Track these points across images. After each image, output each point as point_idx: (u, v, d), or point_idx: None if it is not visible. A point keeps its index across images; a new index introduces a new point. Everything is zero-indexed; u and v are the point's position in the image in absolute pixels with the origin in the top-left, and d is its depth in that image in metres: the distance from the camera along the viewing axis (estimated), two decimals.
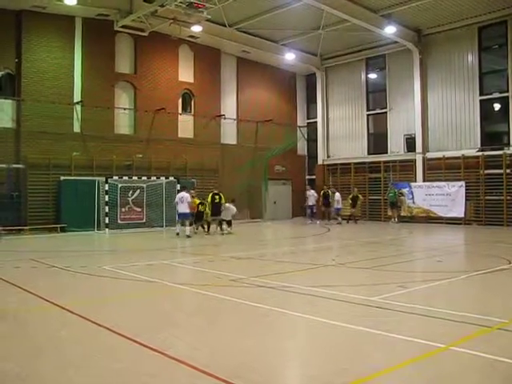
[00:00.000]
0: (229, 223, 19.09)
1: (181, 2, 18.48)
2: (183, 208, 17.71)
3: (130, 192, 21.10)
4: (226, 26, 23.01)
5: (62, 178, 20.07)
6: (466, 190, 21.95)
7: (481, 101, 22.17)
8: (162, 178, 21.57)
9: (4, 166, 19.11)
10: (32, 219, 19.48)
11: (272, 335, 5.79)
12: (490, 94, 22.08)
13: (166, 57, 23.70)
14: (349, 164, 26.55)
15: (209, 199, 19.04)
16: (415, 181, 23.83)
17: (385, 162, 25.18)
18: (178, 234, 17.92)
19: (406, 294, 7.74)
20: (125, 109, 22.54)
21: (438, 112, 23.52)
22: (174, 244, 16.46)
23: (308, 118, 29.93)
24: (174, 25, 20.62)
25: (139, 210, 21.36)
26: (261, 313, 6.69)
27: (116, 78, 22.27)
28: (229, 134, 26.09)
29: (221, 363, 4.69)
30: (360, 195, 24.26)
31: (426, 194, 23.18)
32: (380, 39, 24.22)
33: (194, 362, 4.65)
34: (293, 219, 27.88)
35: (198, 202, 18.77)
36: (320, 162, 27.98)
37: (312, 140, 29.37)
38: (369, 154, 26.31)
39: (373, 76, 26.83)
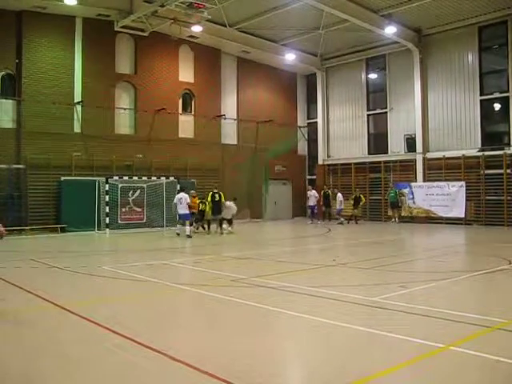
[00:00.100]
0: (229, 222, 19.07)
1: (181, 2, 18.50)
2: (183, 209, 17.71)
3: (131, 192, 21.10)
4: (226, 26, 23.01)
5: (63, 178, 20.07)
6: (467, 190, 21.94)
7: (481, 101, 22.16)
8: (163, 178, 21.57)
9: (4, 166, 19.11)
10: (32, 219, 19.48)
11: (272, 335, 5.79)
12: (491, 94, 22.08)
13: (167, 57, 23.71)
14: (349, 164, 26.55)
15: (208, 198, 19.05)
16: (415, 181, 23.83)
17: (385, 162, 25.18)
18: (178, 234, 17.95)
19: (407, 294, 7.73)
20: (125, 109, 22.55)
21: (439, 112, 23.51)
22: (174, 244, 16.45)
23: (308, 118, 29.93)
24: (174, 25, 20.61)
25: (139, 210, 21.37)
26: (261, 313, 6.69)
27: (116, 78, 22.27)
28: (229, 134, 26.09)
29: (221, 363, 4.69)
30: (363, 196, 24.26)
31: (426, 194, 23.17)
32: (380, 39, 24.21)
33: (195, 362, 4.65)
34: (293, 219, 27.88)
35: (198, 201, 18.79)
36: (320, 162, 27.98)
37: (312, 140, 29.37)
38: (369, 154, 26.31)
39: (373, 76, 26.83)
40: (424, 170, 23.59)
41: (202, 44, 24.53)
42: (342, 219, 23.54)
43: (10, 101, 19.89)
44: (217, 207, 18.83)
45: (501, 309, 6.74)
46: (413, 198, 23.64)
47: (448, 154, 22.78)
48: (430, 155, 23.60)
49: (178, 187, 19.83)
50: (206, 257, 13.05)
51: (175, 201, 18.10)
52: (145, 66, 23.07)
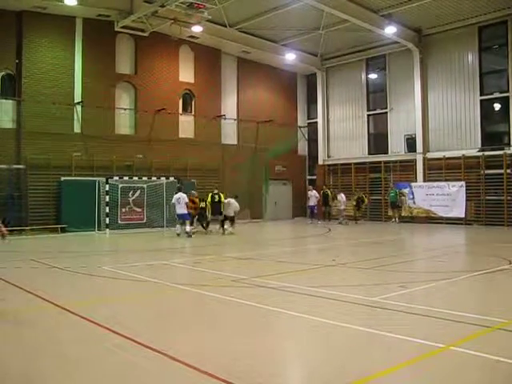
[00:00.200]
0: (232, 221, 18.94)
1: (181, 3, 18.51)
2: (181, 209, 17.69)
3: (131, 192, 21.10)
4: (226, 27, 23.02)
5: (63, 178, 20.07)
6: (467, 190, 21.94)
7: (481, 101, 22.16)
8: (163, 179, 21.57)
9: (4, 166, 19.11)
10: (32, 220, 19.48)
11: (272, 335, 5.80)
12: (491, 93, 22.08)
13: (167, 57, 23.71)
14: (349, 164, 26.55)
15: (208, 199, 19.05)
16: (416, 181, 23.83)
17: (385, 163, 25.18)
18: (178, 234, 17.91)
19: (407, 294, 7.73)
20: (125, 109, 22.55)
21: (439, 112, 23.51)
22: (174, 244, 16.44)
23: (308, 118, 29.92)
24: (174, 25, 20.62)
25: (140, 210, 21.37)
26: (261, 313, 6.69)
27: (116, 79, 22.27)
28: (229, 135, 26.09)
29: (221, 363, 4.69)
30: (365, 197, 24.24)
31: (426, 194, 23.17)
32: (380, 39, 24.21)
33: (195, 362, 4.65)
34: (293, 219, 27.89)
35: (199, 202, 18.80)
36: (320, 162, 27.98)
37: (312, 140, 29.36)
38: (369, 154, 26.31)
39: (373, 76, 26.83)
40: (424, 170, 23.59)
41: (202, 44, 24.53)
42: (341, 219, 23.54)
43: (10, 101, 19.89)
44: (217, 208, 18.82)
45: (501, 309, 6.74)
46: (413, 198, 23.64)
47: (448, 154, 22.77)
48: (430, 155, 23.60)
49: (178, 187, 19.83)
50: (206, 257, 13.05)
51: (173, 201, 18.08)
52: (145, 66, 23.07)
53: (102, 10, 20.65)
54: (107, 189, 19.81)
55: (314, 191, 24.99)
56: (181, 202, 17.67)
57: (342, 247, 15.96)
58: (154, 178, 21.67)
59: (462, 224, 21.88)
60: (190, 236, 17.41)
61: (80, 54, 21.21)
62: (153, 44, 22.73)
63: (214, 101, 25.42)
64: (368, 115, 26.58)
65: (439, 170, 23.11)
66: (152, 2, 19.81)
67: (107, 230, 19.49)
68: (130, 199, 21.10)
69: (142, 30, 22.04)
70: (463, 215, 21.97)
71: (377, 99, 26.42)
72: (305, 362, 4.96)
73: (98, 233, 19.46)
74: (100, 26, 21.36)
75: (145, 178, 21.50)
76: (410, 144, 24.38)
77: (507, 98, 21.43)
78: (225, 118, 25.76)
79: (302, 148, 29.86)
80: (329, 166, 27.77)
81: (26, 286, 8.43)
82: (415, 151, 23.96)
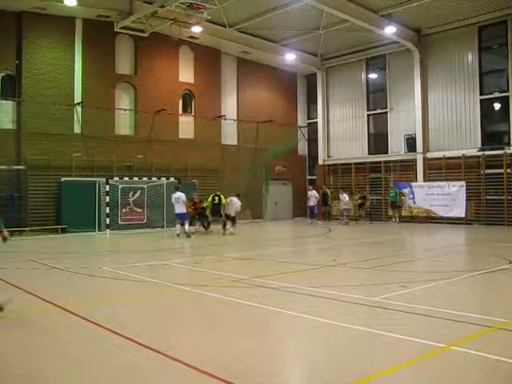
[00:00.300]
0: (233, 221, 18.92)
1: (181, 3, 18.51)
2: (180, 208, 17.68)
3: (131, 193, 21.10)
4: (226, 27, 23.01)
5: (63, 179, 20.06)
6: (467, 189, 21.93)
7: (481, 100, 22.16)
8: (163, 179, 21.56)
9: (4, 167, 19.10)
10: (33, 220, 19.47)
11: (272, 335, 5.80)
12: (491, 93, 22.07)
13: (167, 57, 23.71)
14: (349, 164, 26.54)
15: (209, 199, 19.05)
16: (416, 181, 23.82)
17: (385, 162, 25.17)
18: (178, 234, 17.88)
19: (407, 293, 7.73)
20: (125, 110, 22.55)
21: (439, 112, 23.51)
22: (174, 244, 16.44)
23: (308, 118, 29.92)
24: (174, 25, 20.63)
25: (140, 210, 21.36)
26: (261, 313, 6.69)
27: (116, 79, 22.27)
28: (229, 135, 26.09)
29: (221, 363, 4.69)
30: (368, 196, 24.20)
31: (426, 194, 23.17)
32: (380, 39, 24.21)
33: (195, 362, 4.65)
34: (294, 219, 27.88)
35: (197, 201, 18.80)
36: (321, 162, 27.98)
37: (312, 140, 29.36)
38: (369, 154, 26.30)
39: (373, 76, 26.83)
40: (424, 169, 23.58)
41: (201, 44, 24.53)
42: (340, 219, 23.53)
43: (10, 102, 19.89)
44: (216, 209, 18.82)
45: (502, 308, 6.74)
46: (413, 197, 23.63)
47: (448, 153, 22.77)
48: (430, 155, 23.59)
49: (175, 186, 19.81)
50: (206, 257, 13.05)
51: (172, 200, 18.05)
52: (145, 67, 23.07)
53: (101, 10, 20.66)
54: (107, 189, 19.79)
55: (314, 191, 24.99)
56: (179, 201, 17.66)
57: (342, 247, 15.96)
58: (154, 179, 21.65)
59: (462, 224, 21.88)
60: (189, 236, 17.40)
61: (80, 54, 21.21)
62: (152, 44, 22.73)
63: (214, 101, 25.42)
64: (368, 115, 26.58)
65: (439, 169, 23.11)
66: (152, 3, 19.82)
67: (107, 230, 19.47)
68: (131, 200, 21.09)
69: (142, 31, 22.05)
70: (463, 215, 21.97)
71: (377, 99, 26.42)
72: (305, 362, 4.96)
73: (98, 233, 19.45)
74: (100, 26, 21.36)
75: (145, 179, 21.48)
76: (410, 144, 24.37)
77: (507, 97, 21.42)
78: (225, 119, 25.76)
79: (302, 148, 29.86)
80: (329, 166, 27.77)
81: (26, 287, 8.43)
82: (415, 151, 23.95)
